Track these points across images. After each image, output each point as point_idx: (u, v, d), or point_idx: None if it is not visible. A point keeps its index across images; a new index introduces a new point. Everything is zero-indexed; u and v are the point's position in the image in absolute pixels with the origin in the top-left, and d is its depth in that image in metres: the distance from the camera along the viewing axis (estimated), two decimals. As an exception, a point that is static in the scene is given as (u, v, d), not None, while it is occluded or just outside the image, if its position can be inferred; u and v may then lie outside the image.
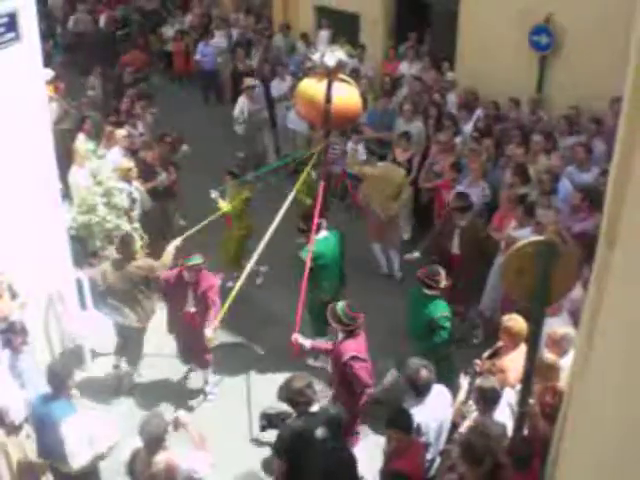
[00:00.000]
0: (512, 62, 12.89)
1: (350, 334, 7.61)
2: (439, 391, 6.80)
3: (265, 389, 8.77)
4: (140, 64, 18.01)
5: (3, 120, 7.97)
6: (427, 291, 8.21)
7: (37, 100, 8.59)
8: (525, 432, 6.19)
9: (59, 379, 6.67)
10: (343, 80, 8.98)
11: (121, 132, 11.82)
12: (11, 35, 7.89)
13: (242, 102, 14.35)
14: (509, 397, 6.70)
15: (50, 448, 6.69)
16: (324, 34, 16.50)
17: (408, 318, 8.53)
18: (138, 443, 6.17)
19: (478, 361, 7.19)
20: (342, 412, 6.64)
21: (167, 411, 6.60)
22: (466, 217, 9.57)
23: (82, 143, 11.50)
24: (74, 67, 18.15)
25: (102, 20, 20.17)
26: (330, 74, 8.67)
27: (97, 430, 6.80)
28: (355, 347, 7.55)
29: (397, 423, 6.26)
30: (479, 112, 12.59)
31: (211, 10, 20.19)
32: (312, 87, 8.89)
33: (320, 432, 6.33)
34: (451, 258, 9.65)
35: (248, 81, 14.51)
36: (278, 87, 14.84)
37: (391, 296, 10.42)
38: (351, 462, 6.57)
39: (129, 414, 8.62)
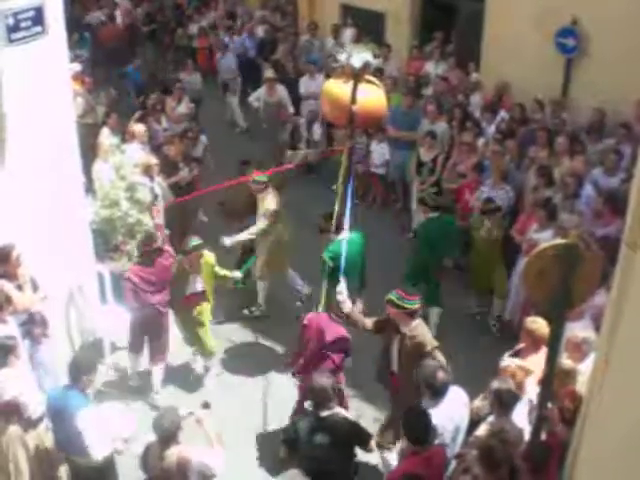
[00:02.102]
0: (537, 64, 12.82)
1: (141, 258, 8.81)
2: (455, 392, 6.76)
3: (284, 388, 8.86)
4: (116, 38, 18.81)
5: (28, 114, 8.01)
6: (437, 214, 9.81)
7: (62, 94, 8.65)
8: (543, 436, 6.16)
9: (79, 371, 6.69)
10: (369, 81, 8.96)
11: (139, 127, 11.84)
12: (37, 29, 7.93)
13: (260, 91, 14.71)
14: (531, 394, 6.66)
15: (66, 440, 6.72)
16: (349, 32, 16.47)
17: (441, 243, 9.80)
18: (152, 437, 6.20)
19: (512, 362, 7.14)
20: (352, 423, 6.65)
21: (183, 406, 6.59)
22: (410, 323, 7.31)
23: (106, 137, 11.55)
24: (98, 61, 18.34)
25: (118, 15, 20.30)
26: (357, 75, 8.66)
27: (114, 423, 6.83)
28: (136, 271, 8.68)
29: (409, 427, 6.17)
30: (503, 113, 12.54)
31: (236, 7, 20.23)
32: (337, 87, 8.86)
33: (321, 438, 6.42)
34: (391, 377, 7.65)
35: (268, 72, 14.79)
36: (307, 84, 14.80)
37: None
38: (346, 471, 6.66)
39: (146, 408, 8.68)
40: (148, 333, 9.04)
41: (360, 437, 6.67)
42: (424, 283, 9.84)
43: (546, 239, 8.42)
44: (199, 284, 8.98)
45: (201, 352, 9.44)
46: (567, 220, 9.39)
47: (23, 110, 7.93)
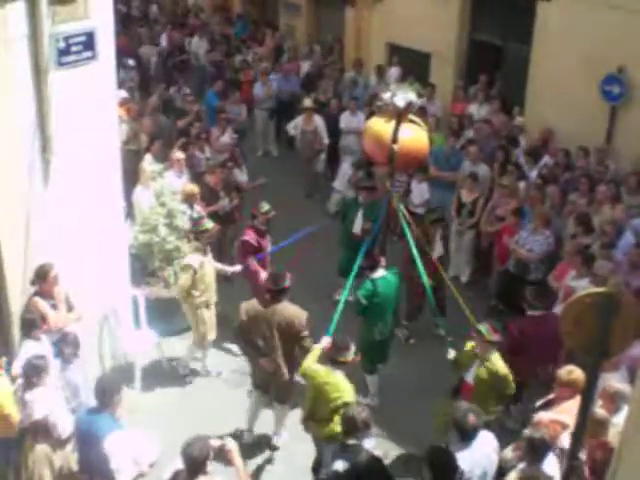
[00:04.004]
0: (582, 110, 12.75)
1: (258, 225, 10.16)
2: (484, 437, 6.66)
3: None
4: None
5: (74, 137, 8.15)
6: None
7: (108, 120, 8.77)
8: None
9: (107, 394, 6.71)
10: (412, 121, 8.94)
11: (176, 155, 11.94)
12: (88, 54, 8.09)
13: (298, 120, 15.03)
14: (562, 442, 6.55)
15: (92, 463, 6.72)
16: (394, 71, 16.55)
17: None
18: (179, 464, 6.15)
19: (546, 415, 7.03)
20: (374, 458, 6.58)
21: (214, 436, 6.50)
22: None
23: (149, 164, 11.68)
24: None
25: (164, 41, 20.55)
26: (400, 115, 8.66)
27: (140, 448, 6.82)
28: (253, 234, 10.05)
29: (432, 468, 6.06)
30: (547, 159, 12.48)
31: (283, 42, 20.44)
32: (380, 126, 8.86)
33: (339, 465, 6.37)
34: None
35: (307, 102, 15.04)
36: (347, 120, 14.85)
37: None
38: None
39: (173, 433, 8.63)
40: None
41: (380, 475, 6.58)
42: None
43: (583, 287, 8.33)
44: None
45: None
46: (601, 267, 9.27)
47: (69, 133, 8.06)
